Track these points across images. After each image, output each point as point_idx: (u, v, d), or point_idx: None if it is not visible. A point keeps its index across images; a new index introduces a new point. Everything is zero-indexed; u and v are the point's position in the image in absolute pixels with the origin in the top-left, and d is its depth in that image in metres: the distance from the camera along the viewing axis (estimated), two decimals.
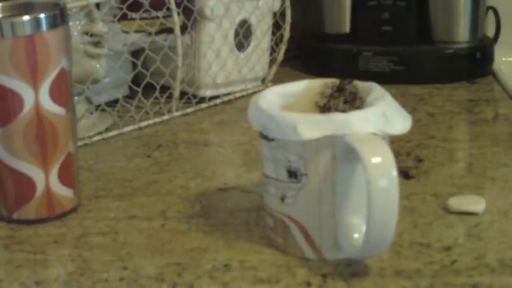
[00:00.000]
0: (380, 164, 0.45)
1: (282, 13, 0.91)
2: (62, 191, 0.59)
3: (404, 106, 0.51)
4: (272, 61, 0.93)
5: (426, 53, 0.89)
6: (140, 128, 0.80)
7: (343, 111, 0.51)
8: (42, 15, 0.56)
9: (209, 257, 0.52)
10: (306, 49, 0.99)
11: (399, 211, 0.45)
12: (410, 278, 0.48)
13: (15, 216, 0.59)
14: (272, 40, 0.92)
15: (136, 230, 0.57)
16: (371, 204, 0.44)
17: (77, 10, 0.74)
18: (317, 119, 0.48)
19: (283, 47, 0.93)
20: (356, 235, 0.48)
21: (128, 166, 0.70)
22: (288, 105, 0.54)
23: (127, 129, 0.79)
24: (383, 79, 0.92)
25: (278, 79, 0.87)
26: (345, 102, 0.54)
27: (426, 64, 0.89)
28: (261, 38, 0.89)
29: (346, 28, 0.93)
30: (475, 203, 0.56)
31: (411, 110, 0.75)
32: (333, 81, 0.55)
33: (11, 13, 0.59)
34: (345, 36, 0.94)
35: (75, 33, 0.74)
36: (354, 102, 0.53)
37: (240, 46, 0.87)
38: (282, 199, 0.51)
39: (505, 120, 0.77)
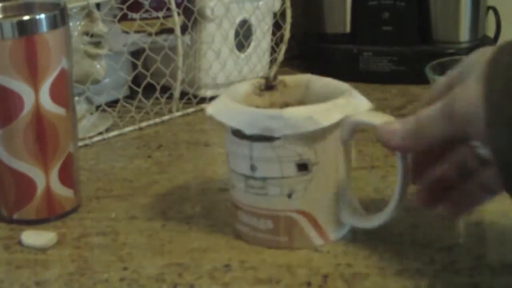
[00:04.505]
0: None
1: (282, 13, 0.91)
2: (62, 191, 0.59)
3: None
4: (272, 61, 0.93)
5: (426, 53, 0.89)
6: (140, 129, 0.80)
7: (287, 105, 0.55)
8: (42, 15, 0.56)
9: (209, 257, 0.52)
10: (306, 49, 0.99)
11: None
12: (410, 278, 0.48)
13: (15, 216, 0.59)
14: (272, 40, 0.92)
15: (137, 230, 0.57)
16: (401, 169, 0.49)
17: (78, 10, 0.74)
18: (325, 107, 0.50)
19: (283, 47, 0.93)
20: (359, 207, 0.53)
21: (129, 167, 0.70)
22: None
23: (127, 129, 0.79)
24: (383, 79, 0.93)
25: None
26: (283, 98, 0.56)
27: (426, 64, 0.89)
28: (261, 38, 0.89)
29: (346, 28, 0.93)
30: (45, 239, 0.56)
31: (412, 110, 0.75)
32: (258, 81, 0.57)
33: (11, 13, 0.59)
34: (345, 36, 0.94)
35: (76, 33, 0.74)
36: (290, 94, 0.56)
37: (241, 46, 0.87)
38: (289, 195, 0.51)
39: None
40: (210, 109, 0.53)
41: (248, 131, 0.50)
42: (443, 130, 0.44)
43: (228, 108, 0.52)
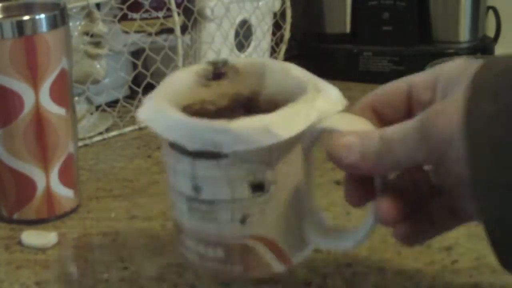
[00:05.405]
0: None
1: (282, 13, 0.91)
2: (62, 191, 0.59)
3: None
4: None
5: (426, 53, 0.89)
6: (140, 129, 0.80)
7: (239, 96, 0.46)
8: (42, 15, 0.56)
9: None
10: (306, 49, 0.99)
11: None
12: (410, 278, 0.48)
13: (15, 216, 0.59)
14: (272, 40, 0.92)
15: (137, 230, 0.57)
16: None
17: (77, 11, 0.74)
18: (285, 113, 0.40)
19: (283, 47, 0.93)
20: (326, 223, 0.44)
21: (129, 167, 0.70)
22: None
23: (127, 129, 0.79)
24: (383, 79, 0.92)
25: None
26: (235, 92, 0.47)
27: (426, 64, 0.89)
28: (262, 38, 0.89)
29: (347, 28, 0.93)
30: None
31: None
32: (204, 68, 0.47)
33: (11, 13, 0.59)
34: (345, 36, 0.94)
35: (76, 33, 0.74)
36: (242, 83, 0.47)
37: (241, 46, 0.87)
38: (243, 220, 0.42)
39: None
40: (142, 113, 0.43)
41: (189, 146, 0.40)
42: (416, 154, 0.37)
43: (163, 115, 0.41)
